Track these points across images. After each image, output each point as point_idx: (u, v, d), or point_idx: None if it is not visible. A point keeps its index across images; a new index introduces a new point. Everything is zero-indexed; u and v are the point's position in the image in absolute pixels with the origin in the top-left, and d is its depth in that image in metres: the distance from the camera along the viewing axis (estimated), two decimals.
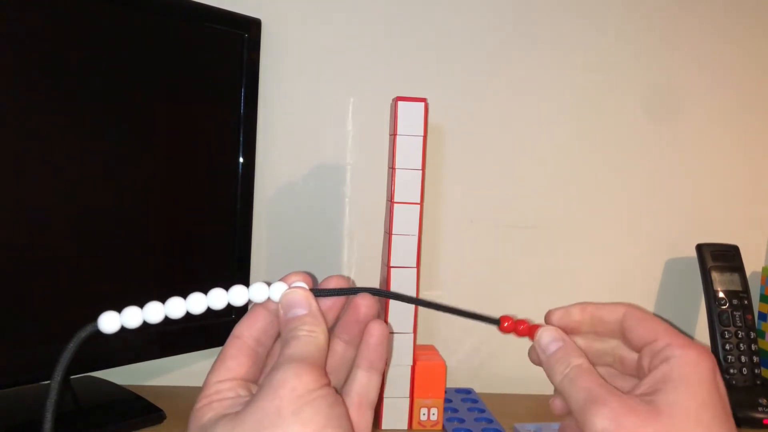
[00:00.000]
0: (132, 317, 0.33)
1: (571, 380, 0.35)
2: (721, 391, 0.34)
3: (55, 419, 0.33)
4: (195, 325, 0.75)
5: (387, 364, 0.39)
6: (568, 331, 0.39)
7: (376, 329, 0.37)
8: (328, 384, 0.32)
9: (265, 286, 0.35)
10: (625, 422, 0.31)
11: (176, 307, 0.34)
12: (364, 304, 0.38)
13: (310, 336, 0.34)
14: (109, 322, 0.33)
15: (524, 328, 0.40)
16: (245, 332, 0.36)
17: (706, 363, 0.34)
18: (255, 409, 0.30)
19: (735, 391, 0.81)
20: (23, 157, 0.60)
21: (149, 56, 0.68)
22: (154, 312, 0.34)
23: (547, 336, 0.38)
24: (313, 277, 0.38)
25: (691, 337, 1.00)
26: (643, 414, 0.32)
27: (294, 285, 0.36)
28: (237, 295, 0.35)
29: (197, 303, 0.34)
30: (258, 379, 0.36)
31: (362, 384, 0.37)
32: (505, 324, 0.39)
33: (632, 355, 0.39)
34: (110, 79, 0.65)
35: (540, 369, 0.39)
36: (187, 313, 0.34)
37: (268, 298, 0.36)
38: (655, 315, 0.38)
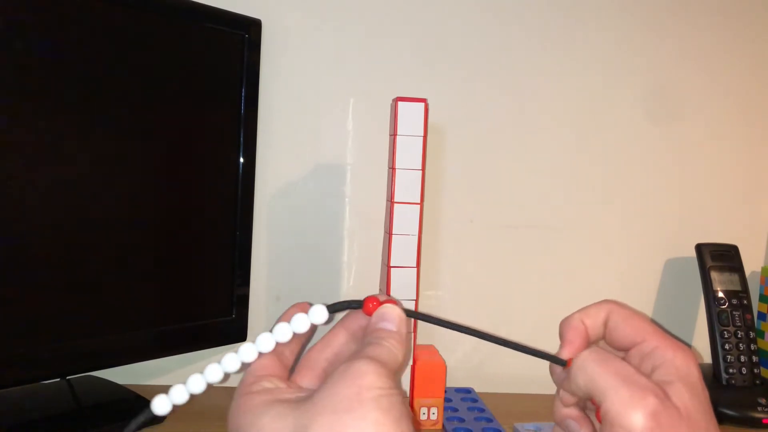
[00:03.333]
0: (179, 395, 0.35)
1: (600, 363, 0.34)
2: (706, 390, 0.35)
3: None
4: (195, 325, 0.75)
5: None
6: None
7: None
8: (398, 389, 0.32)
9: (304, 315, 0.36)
10: (664, 420, 0.31)
11: (214, 372, 0.35)
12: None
13: (392, 349, 0.34)
14: (161, 404, 0.35)
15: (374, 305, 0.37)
16: (316, 355, 0.37)
17: (694, 363, 0.35)
18: (329, 393, 0.30)
19: (735, 390, 0.81)
20: (23, 157, 0.60)
21: (149, 56, 0.68)
22: (196, 384, 0.35)
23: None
24: (398, 303, 0.38)
25: (686, 342, 1.00)
26: (675, 414, 0.32)
27: (386, 301, 0.37)
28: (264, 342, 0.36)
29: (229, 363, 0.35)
30: (285, 378, 0.36)
31: None
32: (371, 305, 0.37)
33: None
34: (110, 79, 0.65)
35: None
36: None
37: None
38: (638, 312, 0.38)
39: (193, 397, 0.35)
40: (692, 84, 0.94)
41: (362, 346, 0.34)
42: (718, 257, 0.86)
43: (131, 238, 0.68)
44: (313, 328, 0.37)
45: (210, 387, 0.36)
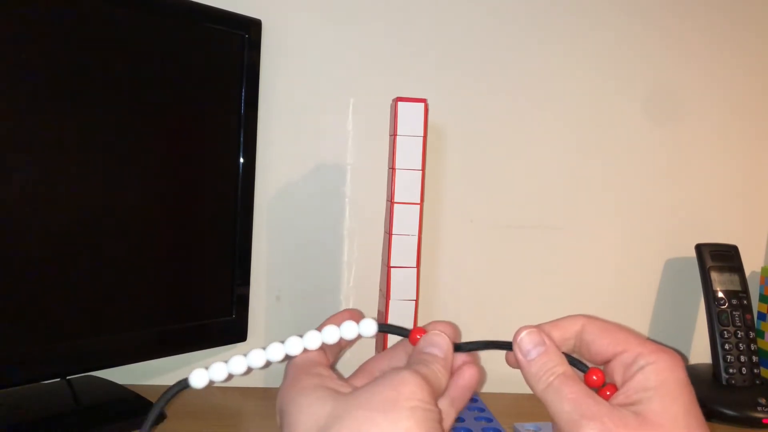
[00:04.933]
0: (219, 372, 0.35)
1: (556, 390, 0.34)
2: (693, 393, 0.34)
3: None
4: (195, 325, 0.75)
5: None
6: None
7: (467, 372, 0.38)
8: (438, 406, 0.32)
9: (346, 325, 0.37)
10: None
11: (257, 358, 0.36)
12: (470, 375, 0.38)
13: (437, 373, 0.34)
14: (199, 378, 0.35)
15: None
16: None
17: (679, 367, 0.34)
18: (370, 392, 0.31)
19: (735, 390, 0.81)
20: (23, 157, 0.60)
21: (149, 56, 0.68)
22: (238, 365, 0.35)
23: (528, 341, 0.37)
24: (456, 329, 0.39)
25: (686, 342, 1.00)
26: (633, 426, 0.31)
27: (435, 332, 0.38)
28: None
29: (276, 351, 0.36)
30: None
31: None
32: (417, 336, 0.38)
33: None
34: (110, 79, 0.65)
35: None
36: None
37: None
38: (614, 323, 0.37)
39: (231, 377, 0.36)
40: (692, 84, 0.94)
41: (410, 364, 0.35)
42: (718, 257, 0.86)
43: (131, 238, 0.68)
44: (354, 340, 0.38)
45: (210, 387, 0.36)
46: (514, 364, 0.38)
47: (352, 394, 0.31)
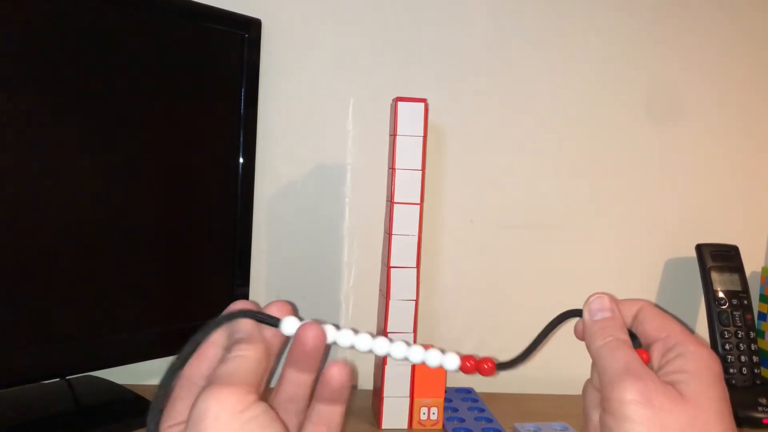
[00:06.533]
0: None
1: (612, 349, 0.35)
2: (726, 391, 0.35)
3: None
4: (195, 325, 0.75)
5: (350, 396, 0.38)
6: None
7: (335, 373, 0.35)
8: (256, 401, 0.30)
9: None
10: (656, 401, 0.32)
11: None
12: (310, 337, 0.35)
13: (239, 355, 0.32)
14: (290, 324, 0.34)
15: (489, 368, 0.37)
16: (194, 372, 0.35)
17: (717, 363, 0.35)
18: None
19: (735, 390, 0.81)
20: (24, 158, 0.60)
21: (149, 56, 0.68)
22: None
23: (597, 303, 0.38)
24: (293, 306, 0.37)
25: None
26: (673, 397, 0.32)
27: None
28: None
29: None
30: None
31: (323, 416, 0.36)
32: (468, 364, 0.37)
33: None
34: (110, 79, 0.65)
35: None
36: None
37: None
38: (668, 313, 0.39)
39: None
40: (692, 84, 0.94)
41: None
42: (718, 257, 0.86)
43: (131, 238, 0.68)
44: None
45: None
46: (580, 333, 0.39)
47: None
